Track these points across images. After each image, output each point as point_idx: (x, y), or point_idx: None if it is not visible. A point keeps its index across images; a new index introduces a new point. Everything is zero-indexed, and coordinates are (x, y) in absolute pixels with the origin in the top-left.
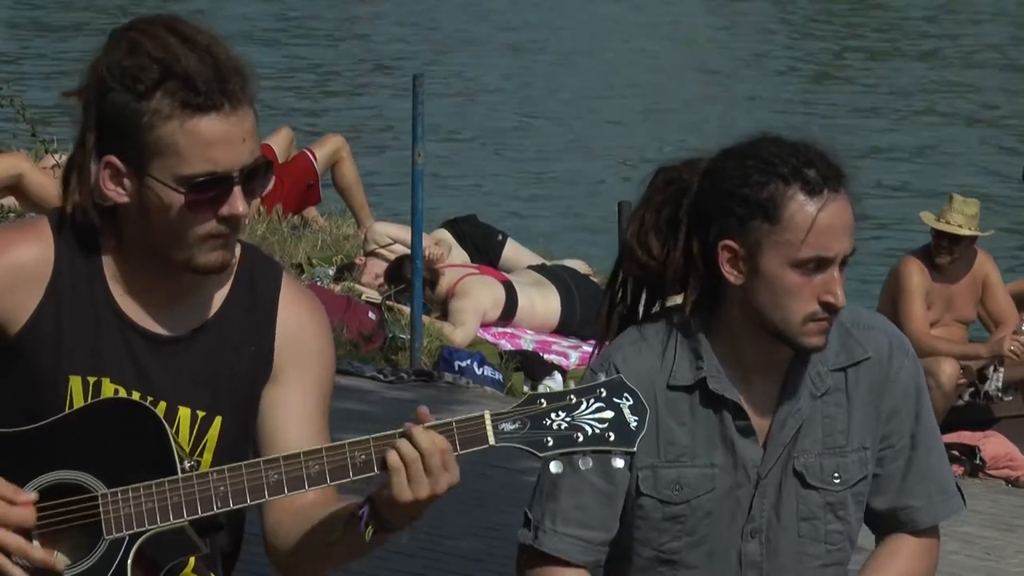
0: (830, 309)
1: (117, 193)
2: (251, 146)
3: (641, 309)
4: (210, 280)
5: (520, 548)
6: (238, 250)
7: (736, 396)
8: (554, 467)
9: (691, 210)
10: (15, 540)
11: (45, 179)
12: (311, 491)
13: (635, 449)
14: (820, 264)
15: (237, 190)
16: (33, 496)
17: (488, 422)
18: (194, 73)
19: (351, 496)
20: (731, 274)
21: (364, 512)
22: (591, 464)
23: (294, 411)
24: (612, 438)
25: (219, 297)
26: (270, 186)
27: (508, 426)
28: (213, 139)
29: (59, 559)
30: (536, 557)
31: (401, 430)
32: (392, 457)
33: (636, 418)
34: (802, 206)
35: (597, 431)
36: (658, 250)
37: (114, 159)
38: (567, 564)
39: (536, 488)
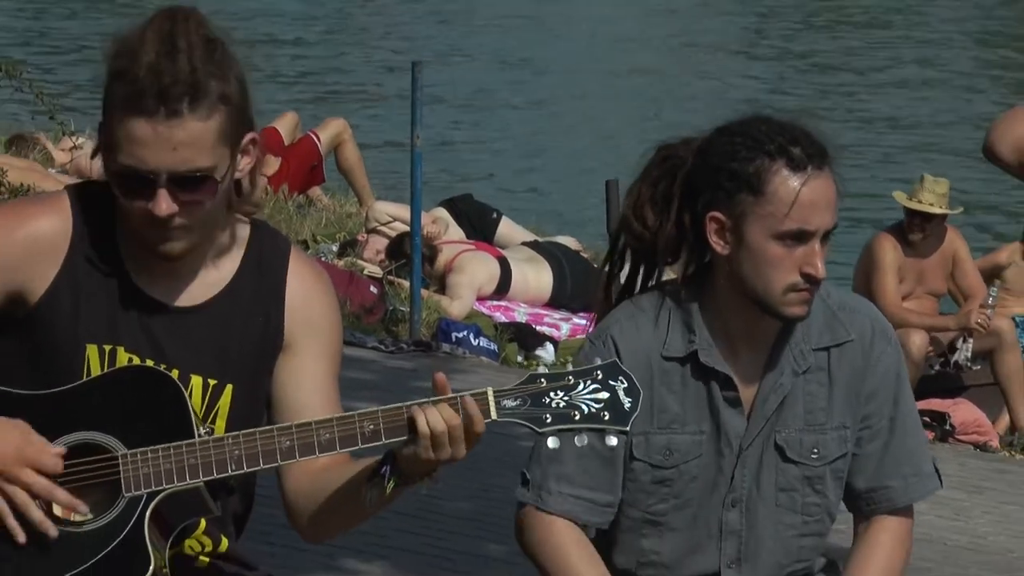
0: (811, 280)
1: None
2: (185, 155)
3: (638, 281)
4: (221, 253)
5: (520, 507)
6: (246, 229)
7: (726, 368)
8: (551, 442)
9: (683, 184)
10: (43, 482)
11: (56, 187)
12: (322, 457)
13: (628, 428)
14: (802, 237)
15: (162, 192)
16: (62, 448)
17: (491, 398)
18: (139, 75)
19: (365, 459)
20: (718, 244)
21: (387, 469)
22: (586, 441)
23: (307, 379)
24: (607, 417)
25: (230, 270)
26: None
27: (509, 402)
28: (141, 140)
29: (81, 509)
30: (538, 518)
31: (415, 403)
32: (421, 422)
33: (630, 400)
34: (785, 180)
35: (593, 410)
36: (652, 222)
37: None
38: (569, 524)
39: (535, 451)
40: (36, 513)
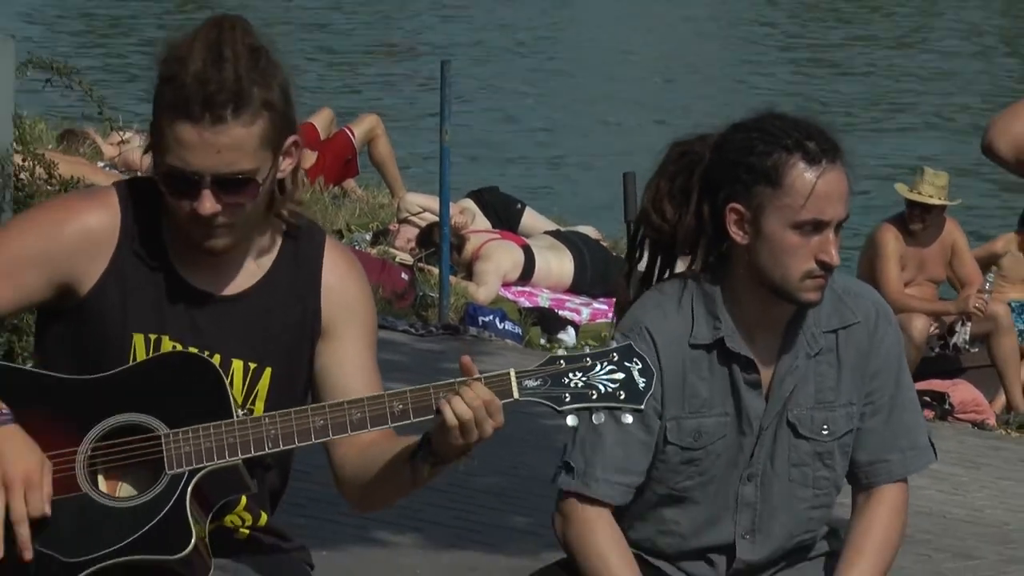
0: (825, 267)
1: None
2: (228, 159)
3: (656, 272)
4: (261, 246)
5: (563, 495)
6: (276, 235)
7: (749, 353)
8: (571, 420)
9: (702, 178)
10: (21, 515)
11: (105, 180)
12: (355, 435)
13: (643, 407)
14: (817, 226)
15: (206, 192)
16: (47, 511)
17: (513, 379)
18: (187, 83)
19: (412, 434)
20: (737, 235)
21: (423, 452)
22: (603, 419)
23: (348, 362)
24: (623, 396)
25: (268, 259)
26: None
27: (531, 383)
28: (187, 143)
29: (125, 489)
30: (580, 501)
31: (442, 383)
32: (447, 413)
33: (644, 379)
34: (802, 173)
35: (609, 390)
36: (671, 214)
37: (151, 134)
38: (602, 507)
39: (576, 439)
40: (23, 532)
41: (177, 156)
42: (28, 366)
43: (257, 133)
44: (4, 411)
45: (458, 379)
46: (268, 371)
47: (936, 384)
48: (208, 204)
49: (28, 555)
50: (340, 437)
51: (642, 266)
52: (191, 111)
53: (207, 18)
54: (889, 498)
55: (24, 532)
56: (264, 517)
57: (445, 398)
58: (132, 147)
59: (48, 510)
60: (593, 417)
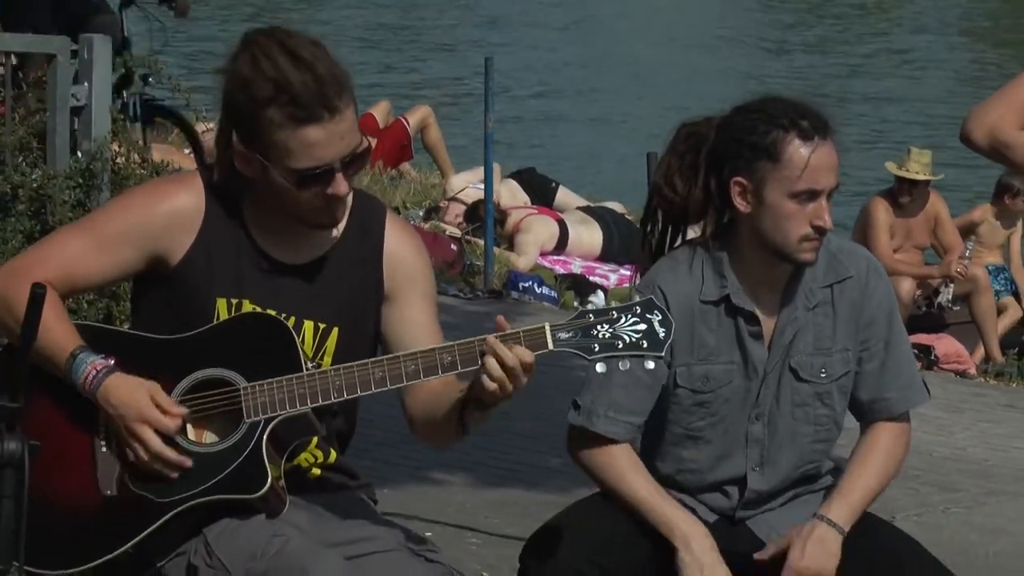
0: (820, 231)
1: (247, 170)
2: (349, 141)
3: (668, 239)
4: None
5: (572, 429)
6: (350, 198)
7: (752, 308)
8: (599, 367)
9: (708, 155)
10: (155, 441)
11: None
12: (430, 380)
13: (663, 354)
14: (812, 195)
15: (339, 176)
16: (184, 411)
17: (548, 331)
18: (299, 92)
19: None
20: (741, 205)
21: (467, 405)
22: (629, 366)
23: (413, 322)
24: (645, 345)
25: (336, 231)
26: (369, 154)
27: (563, 335)
28: (316, 142)
29: (208, 436)
30: (588, 437)
31: (483, 337)
32: (485, 380)
33: (664, 330)
34: (798, 148)
35: (633, 339)
36: (681, 188)
37: (241, 148)
38: (613, 442)
39: (588, 381)
40: (170, 456)
41: (308, 157)
42: (125, 328)
43: (353, 109)
44: (103, 366)
45: (499, 333)
46: (336, 331)
47: (923, 338)
48: (343, 186)
49: (188, 464)
50: (397, 387)
51: (658, 234)
52: (315, 114)
53: (246, 38)
54: (891, 427)
55: (170, 456)
56: (334, 454)
57: (484, 365)
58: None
59: (177, 424)
60: (620, 364)
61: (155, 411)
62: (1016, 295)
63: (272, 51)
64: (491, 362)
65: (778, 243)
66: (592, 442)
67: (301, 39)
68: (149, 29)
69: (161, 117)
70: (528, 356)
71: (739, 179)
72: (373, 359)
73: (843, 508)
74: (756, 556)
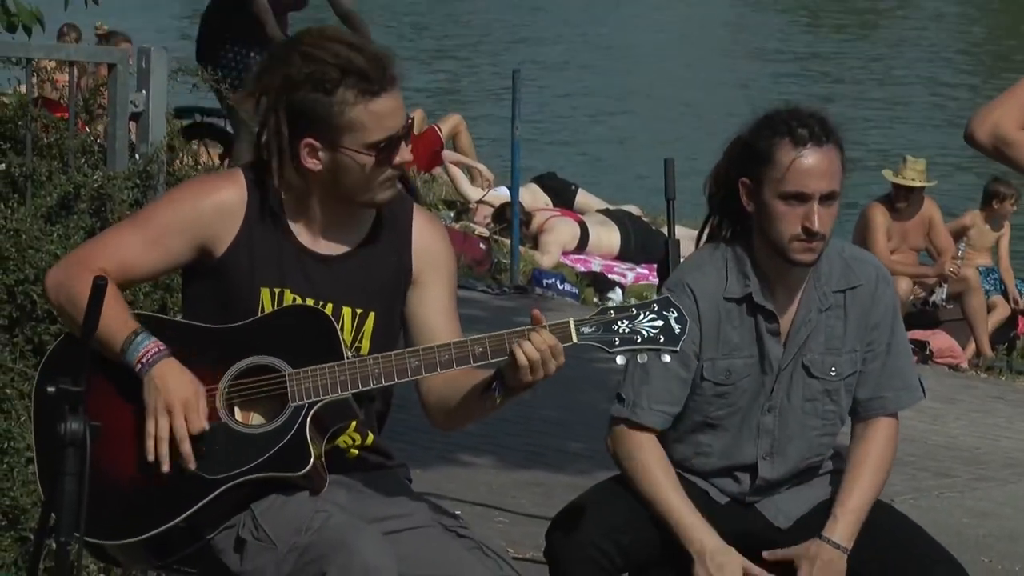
0: (808, 233)
1: (313, 164)
2: (405, 111)
3: (706, 232)
4: (363, 213)
5: (613, 420)
6: None
7: (771, 307)
8: (620, 360)
9: (727, 159)
10: (182, 430)
11: None
12: (445, 372)
13: (679, 348)
14: (801, 198)
15: (403, 144)
16: (206, 425)
17: (572, 326)
18: (365, 68)
19: (484, 372)
20: (747, 204)
21: (497, 385)
22: (647, 359)
23: (433, 305)
24: (662, 340)
25: (367, 224)
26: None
27: (586, 329)
28: (386, 112)
29: (255, 418)
30: (629, 427)
31: (514, 331)
32: (520, 355)
33: (680, 326)
34: (788, 152)
35: (651, 334)
36: (714, 188)
37: (311, 140)
38: (649, 432)
39: (627, 376)
40: (163, 450)
41: (381, 128)
42: (178, 318)
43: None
44: (162, 348)
45: (527, 327)
46: (372, 315)
47: (918, 334)
48: (408, 154)
49: (192, 466)
50: (432, 374)
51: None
52: (384, 86)
53: (284, 47)
54: (883, 428)
55: (187, 448)
56: (371, 437)
57: (518, 342)
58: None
59: (205, 426)
60: (638, 357)
61: (197, 405)
62: (1004, 294)
63: (321, 43)
64: (526, 346)
65: (774, 242)
66: (633, 439)
67: (340, 30)
68: None
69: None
70: (556, 341)
71: (744, 180)
72: (409, 349)
73: (846, 527)
74: (765, 555)
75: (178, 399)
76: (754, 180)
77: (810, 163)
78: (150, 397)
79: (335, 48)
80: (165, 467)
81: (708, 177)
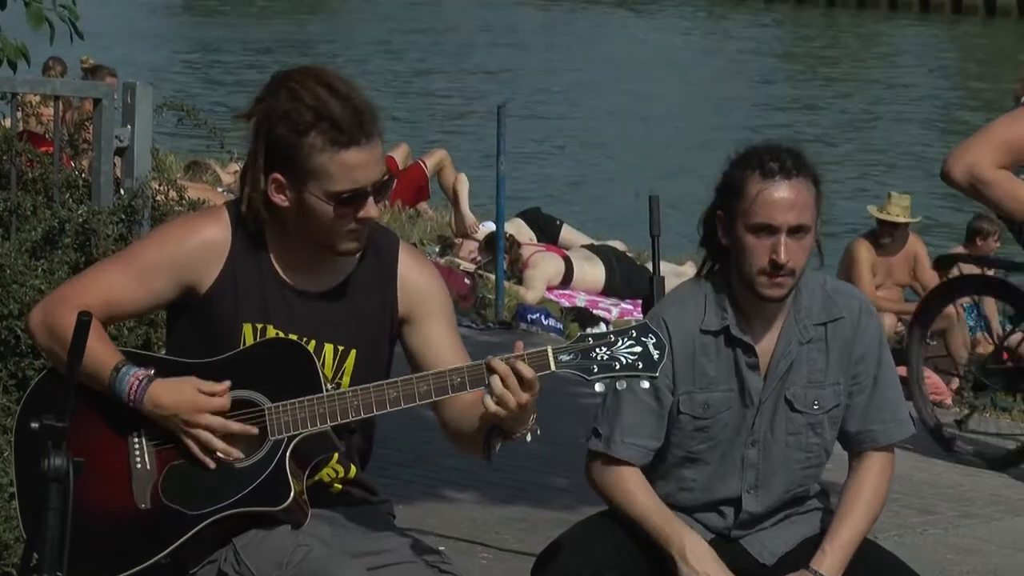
0: (774, 266)
1: (280, 200)
2: (380, 167)
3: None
4: None
5: (590, 455)
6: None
7: (749, 340)
8: (599, 387)
9: (715, 195)
10: (218, 420)
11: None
12: (466, 394)
13: (657, 374)
14: (769, 230)
15: (370, 200)
16: (227, 384)
17: (550, 354)
18: (339, 118)
19: None
20: (723, 238)
21: (495, 431)
22: (625, 385)
23: (435, 340)
24: (641, 366)
25: (353, 261)
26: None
27: (564, 357)
28: (355, 165)
29: (236, 453)
30: (605, 461)
31: (492, 358)
32: (488, 403)
33: (658, 352)
34: (755, 185)
35: (630, 361)
36: (704, 230)
37: (279, 176)
38: (627, 465)
39: (602, 409)
40: (219, 444)
41: (347, 179)
42: (161, 353)
43: (381, 141)
44: (144, 376)
45: (504, 355)
46: (354, 352)
47: (902, 371)
48: (374, 210)
49: (237, 455)
50: (411, 406)
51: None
52: (354, 138)
53: (281, 77)
54: (877, 463)
55: (220, 445)
56: (354, 470)
57: (491, 369)
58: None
59: (227, 403)
60: (617, 384)
61: (204, 397)
62: (988, 330)
63: (309, 84)
64: (493, 379)
65: (744, 275)
66: (608, 465)
67: (333, 74)
68: None
69: None
70: (527, 371)
71: (719, 213)
72: (387, 380)
73: (835, 562)
74: None
75: (186, 408)
76: (728, 214)
77: (778, 196)
78: (162, 423)
79: (317, 91)
80: (236, 455)
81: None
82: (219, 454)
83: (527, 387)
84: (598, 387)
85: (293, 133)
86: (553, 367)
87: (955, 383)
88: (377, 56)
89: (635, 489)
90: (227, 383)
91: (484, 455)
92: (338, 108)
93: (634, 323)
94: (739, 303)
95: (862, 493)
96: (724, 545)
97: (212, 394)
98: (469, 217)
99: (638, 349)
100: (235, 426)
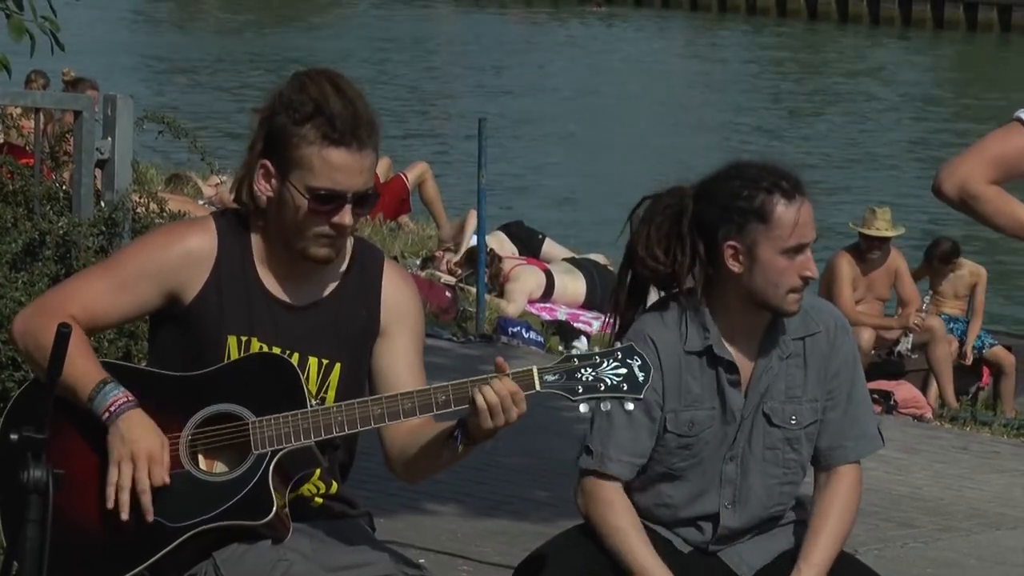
0: (806, 281)
1: (264, 189)
2: (366, 179)
3: (644, 299)
4: (332, 264)
5: (583, 472)
6: (351, 243)
7: (731, 358)
8: (583, 408)
9: (692, 224)
10: (155, 478)
11: (204, 214)
12: (410, 419)
13: (642, 396)
14: (799, 249)
15: (347, 207)
16: (167, 479)
17: (535, 373)
18: (337, 115)
19: (447, 419)
20: (735, 266)
21: (458, 433)
22: (610, 407)
23: (400, 357)
24: (625, 388)
25: (338, 275)
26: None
27: (550, 377)
28: (339, 165)
29: (219, 466)
30: (597, 478)
31: (477, 378)
32: (479, 399)
33: (643, 374)
34: (785, 208)
35: (615, 382)
36: (663, 257)
37: (267, 163)
38: (616, 480)
39: (594, 427)
40: (134, 490)
41: (327, 178)
42: (143, 365)
43: (375, 157)
44: (131, 399)
45: (490, 374)
46: (338, 366)
47: (883, 384)
48: (348, 218)
49: (150, 518)
50: (395, 422)
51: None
52: (345, 139)
53: (297, 73)
54: (846, 477)
55: (147, 500)
56: (335, 486)
57: (479, 388)
58: (226, 187)
59: (168, 480)
60: (601, 405)
61: (161, 457)
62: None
63: (320, 80)
64: (487, 391)
65: (769, 297)
66: (603, 493)
67: (346, 79)
68: None
69: None
70: (517, 387)
71: (732, 243)
72: (373, 397)
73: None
74: None
75: (143, 450)
76: (746, 241)
77: (805, 215)
78: (115, 446)
79: (324, 87)
80: (124, 515)
81: (641, 252)
82: (123, 498)
83: (516, 402)
84: (583, 408)
85: (291, 122)
86: (538, 387)
87: (934, 393)
88: (357, 66)
89: (625, 525)
90: (167, 479)
91: (442, 462)
92: (338, 106)
93: (620, 345)
94: (726, 320)
95: (833, 508)
96: (702, 558)
97: (164, 469)
98: (452, 222)
99: (623, 371)
100: (146, 501)
